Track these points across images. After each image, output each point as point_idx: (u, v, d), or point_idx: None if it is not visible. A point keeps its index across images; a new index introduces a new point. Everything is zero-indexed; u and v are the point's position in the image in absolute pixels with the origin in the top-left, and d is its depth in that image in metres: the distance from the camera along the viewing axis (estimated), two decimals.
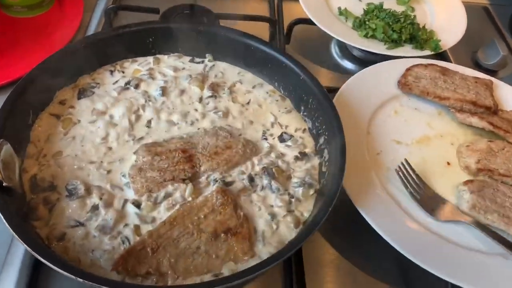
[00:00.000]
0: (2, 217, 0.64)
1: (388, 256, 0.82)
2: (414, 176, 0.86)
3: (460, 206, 0.85)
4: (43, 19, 1.25)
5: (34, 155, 0.81)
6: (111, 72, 0.96)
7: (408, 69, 1.04)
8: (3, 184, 0.68)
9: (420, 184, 0.86)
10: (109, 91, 0.92)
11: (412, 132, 0.97)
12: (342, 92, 0.98)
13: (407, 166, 0.87)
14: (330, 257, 0.86)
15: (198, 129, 0.89)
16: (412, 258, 0.75)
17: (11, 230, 0.63)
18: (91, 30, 1.22)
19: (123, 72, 0.96)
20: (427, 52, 1.12)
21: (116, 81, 0.94)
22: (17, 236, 0.63)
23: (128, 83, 0.94)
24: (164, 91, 0.93)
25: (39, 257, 0.62)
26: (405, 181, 0.86)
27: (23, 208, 0.73)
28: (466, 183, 0.87)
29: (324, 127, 0.87)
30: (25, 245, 0.62)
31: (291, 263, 0.80)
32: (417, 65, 1.05)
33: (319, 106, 0.89)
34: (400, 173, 0.86)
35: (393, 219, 0.81)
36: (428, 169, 0.91)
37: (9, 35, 1.20)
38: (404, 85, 1.02)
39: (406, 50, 1.12)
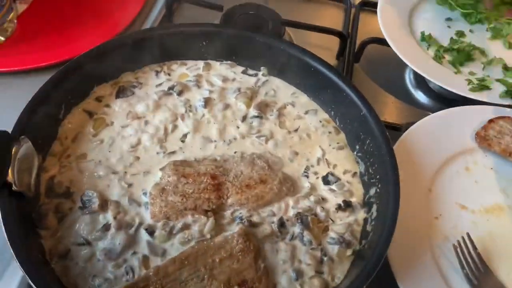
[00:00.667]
0: (4, 230, 0.59)
1: None
2: (474, 255, 0.72)
3: None
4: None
5: (58, 153, 0.76)
6: (157, 72, 0.89)
7: (491, 121, 0.88)
8: (13, 188, 0.63)
9: (481, 266, 0.72)
10: (150, 94, 0.85)
11: (482, 197, 0.82)
12: (407, 137, 0.85)
13: (468, 242, 0.73)
14: None
15: (235, 152, 0.80)
16: None
17: (10, 248, 0.58)
18: (151, 18, 1.15)
19: (169, 75, 0.89)
20: None
21: (160, 84, 0.87)
22: (13, 254, 0.58)
23: (171, 87, 0.86)
24: (207, 103, 0.85)
25: (30, 282, 0.56)
26: (462, 259, 0.72)
27: (32, 213, 0.68)
28: None
29: (378, 177, 0.75)
30: (19, 265, 0.57)
31: None
32: (503, 117, 0.89)
33: (377, 150, 0.77)
34: (458, 249, 0.73)
35: None
36: (494, 248, 0.76)
37: (70, 12, 1.16)
38: (483, 139, 0.86)
39: (494, 95, 0.95)
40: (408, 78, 1.12)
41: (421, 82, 1.10)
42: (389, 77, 1.13)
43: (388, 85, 1.11)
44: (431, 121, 0.88)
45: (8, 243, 0.58)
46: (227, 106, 0.85)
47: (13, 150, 0.65)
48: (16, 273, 0.70)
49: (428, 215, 0.78)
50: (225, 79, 0.89)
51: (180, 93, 0.85)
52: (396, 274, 0.69)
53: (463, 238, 0.74)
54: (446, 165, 0.84)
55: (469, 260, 0.72)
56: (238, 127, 0.83)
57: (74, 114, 0.80)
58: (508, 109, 0.93)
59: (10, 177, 0.63)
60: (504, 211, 0.81)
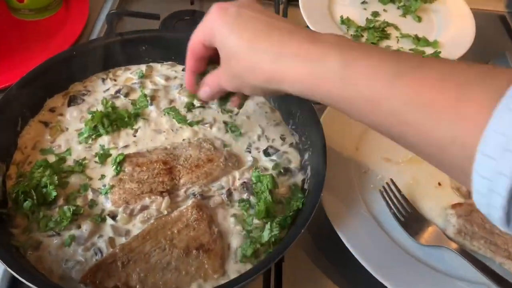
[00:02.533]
0: None
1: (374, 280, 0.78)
2: (399, 197, 0.84)
3: (446, 230, 0.82)
4: (49, 22, 1.27)
5: (20, 162, 0.83)
6: (103, 80, 0.97)
7: None
8: None
9: (406, 205, 0.83)
10: (99, 98, 0.93)
11: (404, 149, 0.93)
12: None
13: (392, 186, 0.85)
14: (312, 275, 0.85)
15: (183, 140, 0.89)
16: (390, 285, 0.73)
17: None
18: (94, 34, 1.23)
19: (115, 80, 0.97)
20: None
21: (107, 89, 0.95)
22: None
23: (118, 91, 0.94)
24: (153, 100, 0.94)
25: (7, 268, 0.63)
26: (389, 201, 0.83)
27: (2, 215, 0.75)
28: (454, 206, 0.83)
29: (309, 143, 0.86)
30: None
31: (269, 278, 0.79)
32: None
33: (306, 121, 0.87)
34: (384, 193, 0.84)
35: (373, 243, 0.79)
36: (418, 190, 0.88)
37: (15, 38, 1.23)
38: None
39: None
40: None
41: None
42: None
43: None
44: None
45: None
46: (171, 101, 0.95)
47: None
48: None
49: (357, 170, 0.89)
50: (167, 78, 0.98)
51: (126, 95, 0.94)
52: (333, 222, 0.79)
53: (387, 183, 0.85)
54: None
55: (395, 201, 0.83)
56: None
57: (31, 125, 0.87)
58: None
59: None
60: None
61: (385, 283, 0.73)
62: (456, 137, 0.45)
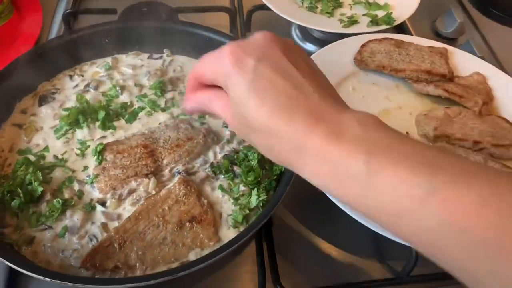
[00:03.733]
0: None
1: (359, 228, 0.82)
2: None
3: None
4: (3, 30, 1.25)
5: None
6: (71, 76, 0.97)
7: (363, 45, 1.06)
8: None
9: None
10: (69, 95, 0.94)
11: (371, 107, 0.98)
12: None
13: None
14: (300, 234, 0.89)
15: (160, 123, 0.90)
16: (373, 227, 0.77)
17: None
18: (52, 36, 1.22)
19: (82, 76, 0.98)
20: (383, 27, 1.14)
21: (76, 85, 0.96)
22: None
23: (87, 85, 0.95)
24: (123, 90, 0.95)
25: (5, 262, 0.64)
26: None
27: None
28: None
29: None
30: None
31: (262, 242, 0.83)
32: (371, 41, 1.07)
33: None
34: None
35: None
36: None
37: None
38: (360, 61, 1.04)
39: (362, 26, 1.13)
40: (295, 33, 1.29)
41: (305, 33, 1.26)
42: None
43: None
44: (316, 58, 1.04)
45: None
46: (142, 88, 0.96)
47: None
48: None
49: None
50: (134, 67, 1.00)
51: (96, 88, 0.95)
52: None
53: None
54: (336, 89, 0.99)
55: None
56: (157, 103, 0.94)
57: (4, 129, 0.87)
58: (375, 34, 1.11)
59: None
60: (391, 112, 0.99)
61: (371, 227, 0.77)
62: (496, 273, 0.41)
